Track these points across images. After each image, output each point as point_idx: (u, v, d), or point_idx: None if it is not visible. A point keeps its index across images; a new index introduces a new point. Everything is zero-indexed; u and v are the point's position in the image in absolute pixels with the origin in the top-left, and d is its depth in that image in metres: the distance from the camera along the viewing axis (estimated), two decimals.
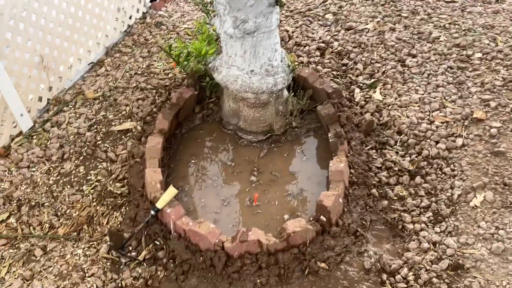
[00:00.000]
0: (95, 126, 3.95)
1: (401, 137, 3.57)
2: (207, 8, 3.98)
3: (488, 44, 4.23)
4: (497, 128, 3.44)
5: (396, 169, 3.37)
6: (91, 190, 3.45)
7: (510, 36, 4.29)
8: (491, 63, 4.02)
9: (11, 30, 3.71)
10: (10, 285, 2.90)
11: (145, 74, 4.47)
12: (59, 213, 3.33)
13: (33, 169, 3.63)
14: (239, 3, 3.08)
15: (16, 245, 3.15)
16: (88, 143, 3.78)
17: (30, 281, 2.93)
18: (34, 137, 3.88)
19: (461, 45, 4.28)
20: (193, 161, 3.64)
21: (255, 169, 3.52)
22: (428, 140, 3.49)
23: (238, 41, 3.30)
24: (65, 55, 4.27)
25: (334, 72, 4.24)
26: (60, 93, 4.27)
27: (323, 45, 4.58)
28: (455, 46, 4.30)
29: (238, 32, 3.21)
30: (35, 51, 3.96)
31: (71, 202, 3.38)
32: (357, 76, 4.21)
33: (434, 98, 3.82)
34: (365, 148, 3.52)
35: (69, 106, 4.16)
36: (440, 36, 4.46)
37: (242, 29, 3.19)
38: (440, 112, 3.69)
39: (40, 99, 4.08)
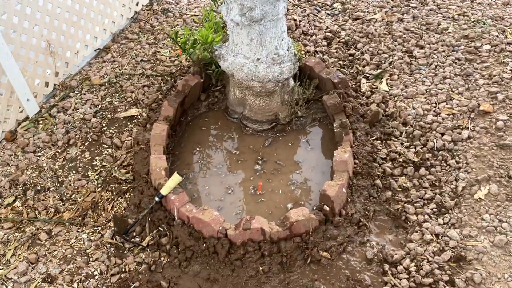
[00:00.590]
0: (101, 112, 3.96)
1: (406, 128, 3.56)
2: None
3: (497, 36, 4.19)
4: (504, 121, 3.42)
5: (401, 160, 3.37)
6: (96, 176, 3.48)
7: None
8: (500, 55, 3.98)
9: (18, 15, 3.71)
10: (15, 268, 2.93)
11: (151, 61, 4.47)
12: (64, 198, 3.35)
13: (39, 154, 3.66)
14: None
15: (22, 229, 3.19)
16: (93, 129, 3.79)
17: (35, 264, 2.96)
18: (40, 122, 3.90)
19: (469, 37, 4.24)
20: (198, 148, 3.65)
21: (260, 158, 3.52)
22: (434, 132, 3.48)
23: (245, 29, 3.28)
24: (71, 40, 4.27)
25: (340, 62, 4.22)
26: (66, 78, 4.28)
27: (330, 34, 4.55)
28: (463, 38, 4.26)
29: (245, 19, 3.20)
30: (42, 36, 3.96)
31: (76, 187, 3.41)
32: (363, 66, 4.18)
33: (441, 89, 3.79)
34: (370, 139, 3.52)
35: (75, 92, 4.18)
36: (448, 27, 4.42)
37: (249, 17, 3.18)
38: (447, 104, 3.67)
39: (46, 84, 4.10)
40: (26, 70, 3.84)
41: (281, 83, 3.55)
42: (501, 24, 4.33)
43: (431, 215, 3.04)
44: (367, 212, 3.08)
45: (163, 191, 3.05)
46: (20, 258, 2.99)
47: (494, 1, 4.70)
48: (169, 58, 4.48)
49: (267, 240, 2.87)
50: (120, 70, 4.37)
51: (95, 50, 4.59)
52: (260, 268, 2.81)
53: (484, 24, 4.37)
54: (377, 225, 3.05)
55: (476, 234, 2.87)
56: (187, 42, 3.84)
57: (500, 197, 3.03)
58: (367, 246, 2.92)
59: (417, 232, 2.96)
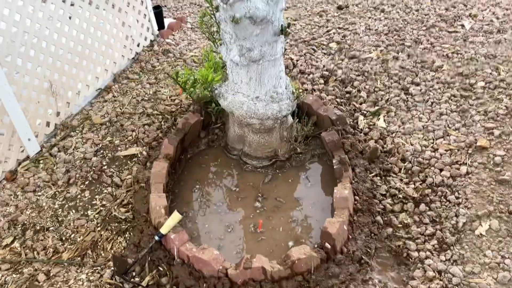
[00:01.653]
0: (101, 151, 3.98)
1: (405, 164, 3.59)
2: (214, 36, 4.07)
3: (490, 73, 4.28)
4: (501, 156, 3.45)
5: (401, 196, 3.37)
6: (95, 215, 3.46)
7: None
8: (494, 91, 4.06)
9: (22, 57, 3.79)
10: None
11: (152, 100, 4.53)
12: (63, 238, 3.33)
13: (39, 193, 3.65)
14: (245, 32, 3.15)
15: (20, 270, 3.14)
16: (94, 168, 3.80)
17: None
18: (41, 161, 3.92)
19: (464, 74, 4.33)
20: (197, 186, 3.65)
21: (260, 194, 3.52)
22: (432, 168, 3.50)
23: (244, 69, 3.36)
24: (73, 81, 4.35)
25: (338, 100, 4.29)
26: (67, 118, 4.33)
27: (327, 73, 4.65)
28: (458, 75, 4.35)
29: (244, 60, 3.28)
30: (44, 77, 4.04)
31: (75, 227, 3.38)
32: (360, 103, 4.25)
33: (438, 126, 3.85)
34: (370, 175, 3.53)
35: (76, 131, 4.21)
36: (443, 65, 4.52)
37: (248, 57, 3.25)
38: (444, 140, 3.71)
39: (48, 124, 4.14)
40: (28, 110, 3.89)
41: (280, 120, 3.60)
42: (494, 61, 4.44)
43: (433, 252, 3.02)
44: (368, 249, 3.06)
45: (163, 230, 3.04)
46: None
47: (486, 40, 4.83)
48: (169, 97, 4.55)
49: (268, 279, 2.83)
50: (121, 109, 4.42)
51: (97, 90, 4.67)
52: None
53: (478, 61, 4.48)
54: (379, 262, 3.03)
55: (479, 271, 2.84)
56: (188, 81, 3.91)
57: (502, 232, 3.02)
58: (370, 284, 2.88)
59: (419, 269, 2.93)
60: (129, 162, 3.87)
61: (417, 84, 4.34)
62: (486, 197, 3.23)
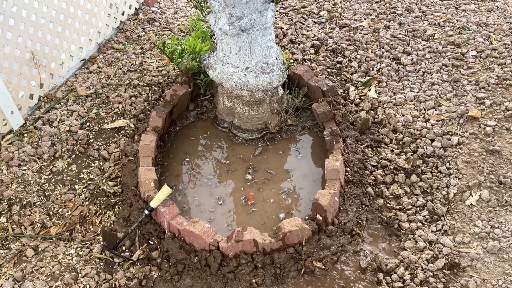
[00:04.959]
0: (88, 124, 3.89)
1: (396, 135, 3.56)
2: (201, 4, 3.93)
3: (482, 42, 4.23)
4: (492, 127, 3.44)
5: (392, 167, 3.36)
6: (83, 189, 3.40)
7: (504, 34, 4.29)
8: (486, 61, 4.02)
9: (1, 26, 3.63)
10: (0, 286, 2.84)
11: (138, 71, 4.41)
12: (51, 213, 3.27)
13: (24, 167, 3.57)
14: (234, 0, 3.04)
15: (7, 245, 3.09)
16: (80, 141, 3.72)
17: (21, 282, 2.87)
18: (25, 135, 3.82)
19: (455, 43, 4.27)
20: (187, 159, 3.60)
21: (250, 167, 3.49)
22: (424, 138, 3.48)
23: (233, 38, 3.26)
24: (56, 51, 4.20)
25: (328, 70, 4.22)
26: (51, 90, 4.20)
27: (317, 42, 4.55)
28: (449, 44, 4.30)
29: (233, 29, 3.17)
30: (26, 47, 3.89)
31: (63, 201, 3.33)
32: (351, 74, 4.19)
33: (429, 96, 3.81)
34: (361, 146, 3.51)
35: (61, 104, 4.10)
36: (435, 33, 4.45)
37: (237, 26, 3.15)
38: (435, 110, 3.69)
39: (31, 96, 4.01)
40: (10, 82, 3.76)
41: (270, 92, 3.53)
42: (486, 30, 4.38)
43: (424, 222, 3.03)
44: (359, 221, 3.06)
45: (153, 204, 2.99)
46: (5, 276, 2.90)
47: (478, 8, 4.76)
48: (156, 68, 4.43)
49: (260, 251, 2.83)
50: (106, 80, 4.30)
51: (81, 60, 4.52)
52: (254, 281, 2.76)
53: (469, 30, 4.42)
54: (370, 233, 3.03)
55: (469, 241, 2.86)
56: (175, 51, 3.80)
57: (492, 202, 3.04)
58: (361, 255, 2.90)
59: (410, 239, 2.95)
60: (116, 135, 3.78)
61: (409, 54, 4.28)
62: (477, 167, 3.23)
